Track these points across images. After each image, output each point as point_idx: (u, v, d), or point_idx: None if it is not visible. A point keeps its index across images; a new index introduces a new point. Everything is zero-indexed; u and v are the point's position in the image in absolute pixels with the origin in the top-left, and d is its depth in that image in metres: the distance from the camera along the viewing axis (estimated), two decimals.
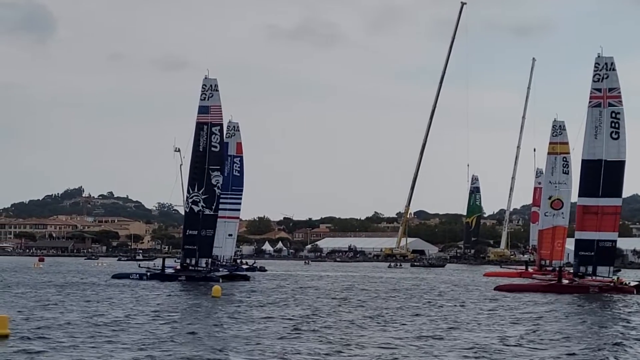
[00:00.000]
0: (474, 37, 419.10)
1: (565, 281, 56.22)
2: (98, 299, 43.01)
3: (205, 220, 62.52)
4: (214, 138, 63.08)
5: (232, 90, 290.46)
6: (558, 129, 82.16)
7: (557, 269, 63.72)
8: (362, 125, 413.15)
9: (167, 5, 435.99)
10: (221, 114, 63.93)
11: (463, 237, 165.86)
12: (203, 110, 63.48)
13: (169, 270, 64.49)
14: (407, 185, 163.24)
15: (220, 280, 58.54)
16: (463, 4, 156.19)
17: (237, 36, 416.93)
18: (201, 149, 63.19)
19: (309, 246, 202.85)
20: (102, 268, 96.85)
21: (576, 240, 55.05)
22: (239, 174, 76.42)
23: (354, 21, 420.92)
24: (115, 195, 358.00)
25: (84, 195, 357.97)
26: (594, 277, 54.13)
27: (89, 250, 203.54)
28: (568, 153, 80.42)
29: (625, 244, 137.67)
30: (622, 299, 48.71)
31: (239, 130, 77.36)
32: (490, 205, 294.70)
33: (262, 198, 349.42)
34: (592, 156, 54.42)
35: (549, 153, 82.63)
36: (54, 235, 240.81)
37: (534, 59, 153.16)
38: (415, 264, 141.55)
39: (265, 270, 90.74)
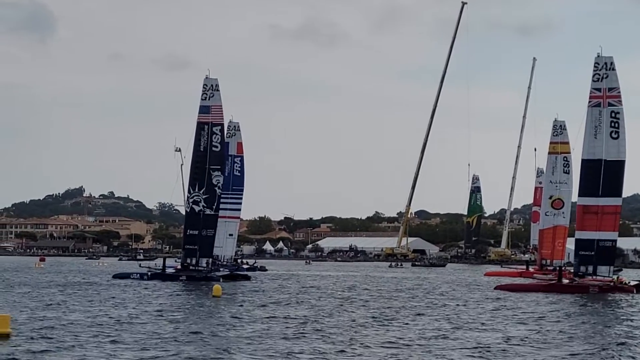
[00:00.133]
0: (474, 37, 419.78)
1: (565, 281, 56.29)
2: (100, 298, 43.05)
3: (206, 220, 62.57)
4: (214, 138, 63.13)
5: (233, 90, 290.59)
6: (559, 128, 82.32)
7: (558, 268, 63.78)
8: (362, 125, 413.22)
9: (168, 4, 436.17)
10: (222, 113, 64.00)
11: (464, 237, 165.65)
12: (204, 110, 63.54)
13: (169, 270, 64.51)
14: (408, 184, 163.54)
15: (221, 280, 58.61)
16: (464, 3, 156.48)
17: (238, 36, 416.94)
18: (202, 149, 63.25)
19: (309, 246, 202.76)
20: (103, 268, 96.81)
21: (576, 239, 55.06)
22: (239, 174, 76.55)
23: (356, 21, 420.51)
24: (116, 195, 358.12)
25: (84, 195, 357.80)
26: (594, 277, 54.16)
27: (90, 250, 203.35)
28: (569, 153, 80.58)
29: (625, 243, 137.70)
30: (624, 298, 48.77)
31: (239, 130, 77.52)
32: (491, 205, 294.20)
33: (262, 198, 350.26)
34: (592, 156, 54.40)
35: (549, 153, 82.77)
36: (55, 235, 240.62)
37: (534, 58, 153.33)
38: (416, 263, 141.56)
39: (266, 270, 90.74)
